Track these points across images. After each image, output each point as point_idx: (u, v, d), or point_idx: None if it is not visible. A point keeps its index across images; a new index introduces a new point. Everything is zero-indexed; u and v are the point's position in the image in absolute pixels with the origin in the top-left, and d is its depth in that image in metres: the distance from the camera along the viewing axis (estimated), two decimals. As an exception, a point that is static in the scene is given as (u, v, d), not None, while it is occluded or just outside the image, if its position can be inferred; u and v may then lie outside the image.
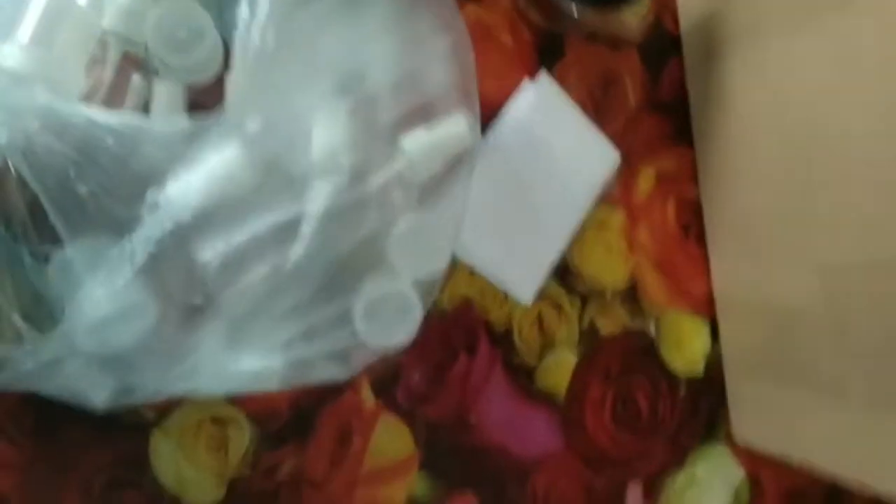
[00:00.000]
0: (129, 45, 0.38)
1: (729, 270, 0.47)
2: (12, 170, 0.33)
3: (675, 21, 0.50)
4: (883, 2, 0.33)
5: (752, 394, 0.47)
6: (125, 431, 0.40)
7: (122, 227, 0.32)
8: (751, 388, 0.47)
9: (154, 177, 0.33)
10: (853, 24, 0.35)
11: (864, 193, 0.35)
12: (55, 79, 0.34)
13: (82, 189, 0.32)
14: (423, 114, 0.38)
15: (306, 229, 0.35)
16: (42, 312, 0.35)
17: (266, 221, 0.35)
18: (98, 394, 0.35)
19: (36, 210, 0.34)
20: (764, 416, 0.46)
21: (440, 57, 0.39)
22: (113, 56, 0.38)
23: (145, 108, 0.39)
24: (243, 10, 0.37)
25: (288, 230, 0.35)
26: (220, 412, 0.41)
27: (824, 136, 0.38)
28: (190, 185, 0.33)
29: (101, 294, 0.32)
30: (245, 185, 0.34)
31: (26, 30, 0.34)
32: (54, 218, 0.32)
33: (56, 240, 0.34)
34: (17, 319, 0.34)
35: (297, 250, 0.34)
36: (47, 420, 0.39)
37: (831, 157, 0.37)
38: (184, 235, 0.33)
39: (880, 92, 0.34)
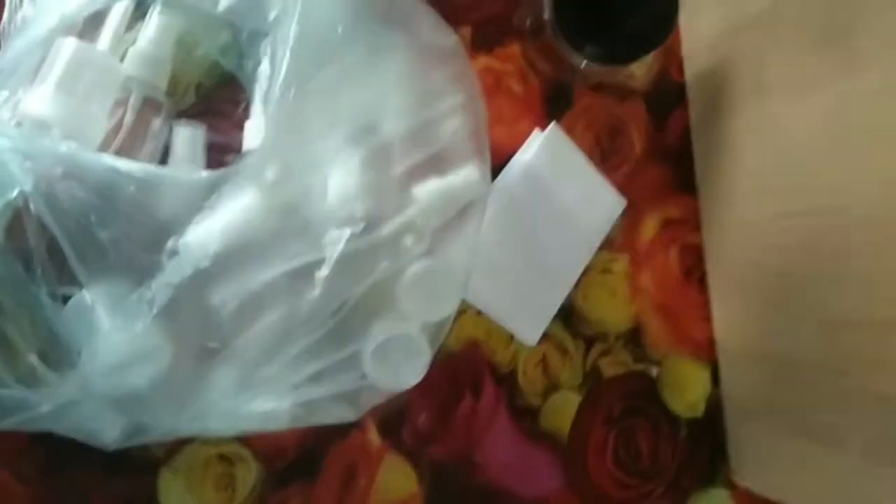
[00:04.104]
0: (149, 89, 0.39)
1: (730, 318, 0.48)
2: (32, 211, 0.34)
3: (681, 71, 0.51)
4: (887, 66, 0.34)
5: (751, 439, 0.47)
6: (134, 469, 0.40)
7: (141, 272, 0.33)
8: (751, 433, 0.47)
9: (174, 224, 0.34)
10: (856, 87, 0.36)
11: (864, 254, 0.36)
12: (78, 125, 0.35)
13: (103, 235, 0.33)
14: (435, 163, 0.39)
15: (321, 275, 0.35)
16: (58, 352, 0.35)
17: (282, 267, 0.36)
18: (109, 433, 0.36)
19: (55, 251, 0.35)
20: (763, 462, 0.47)
21: (453, 109, 0.39)
22: (134, 101, 0.39)
23: (165, 151, 0.40)
24: (265, 67, 0.39)
25: (303, 276, 0.35)
26: (228, 450, 0.41)
27: (826, 196, 0.38)
28: (209, 231, 0.34)
29: (119, 338, 0.33)
30: (262, 232, 0.35)
31: (50, 77, 0.35)
32: (74, 262, 0.33)
33: (74, 281, 0.34)
34: (33, 359, 0.35)
35: (311, 295, 0.35)
36: (57, 458, 0.39)
37: (832, 217, 0.38)
38: (201, 280, 0.34)
39: (881, 156, 0.35)
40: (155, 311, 0.33)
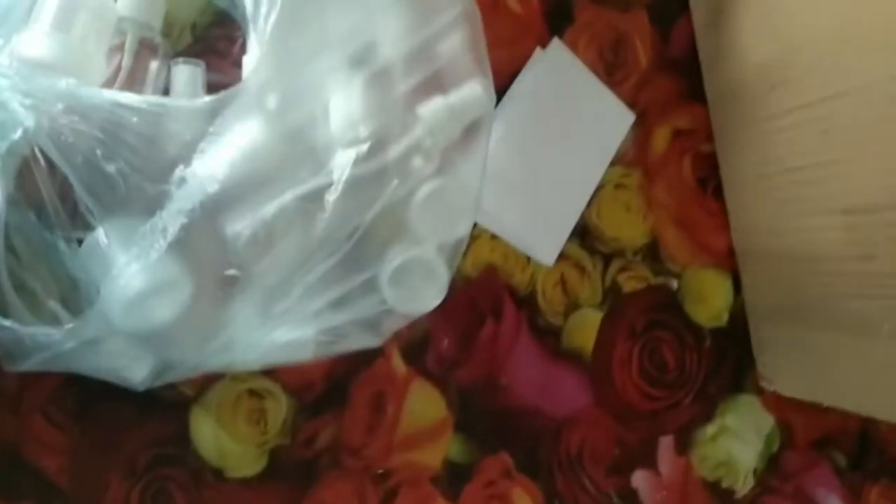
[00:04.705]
0: (145, 30, 0.39)
1: (748, 222, 0.48)
2: (40, 158, 0.34)
3: (682, -23, 0.50)
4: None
5: (777, 341, 0.47)
6: (165, 409, 0.41)
7: (151, 203, 0.33)
8: (776, 336, 0.47)
9: (180, 153, 0.34)
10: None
11: (882, 134, 0.35)
12: (76, 64, 0.35)
13: (110, 168, 0.33)
14: (437, 81, 0.38)
15: (330, 199, 0.35)
16: (79, 297, 0.35)
17: (291, 192, 0.35)
18: (137, 372, 0.36)
19: (66, 196, 0.35)
20: (791, 363, 0.46)
21: (450, 24, 0.39)
22: (130, 42, 0.38)
23: (164, 93, 0.40)
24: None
25: (313, 200, 0.35)
26: (257, 385, 0.42)
27: (837, 81, 0.38)
28: (216, 159, 0.34)
29: (135, 269, 0.33)
30: (269, 158, 0.35)
31: (45, 17, 0.35)
32: (84, 197, 0.33)
33: (87, 225, 0.34)
34: (54, 305, 0.35)
35: (322, 220, 0.35)
36: (89, 402, 0.40)
37: (846, 100, 0.37)
38: (213, 209, 0.33)
39: (892, 31, 0.34)
40: (169, 239, 0.32)
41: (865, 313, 0.39)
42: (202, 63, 0.40)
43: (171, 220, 0.32)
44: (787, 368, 0.47)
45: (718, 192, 0.50)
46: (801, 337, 0.44)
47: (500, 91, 0.45)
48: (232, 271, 0.35)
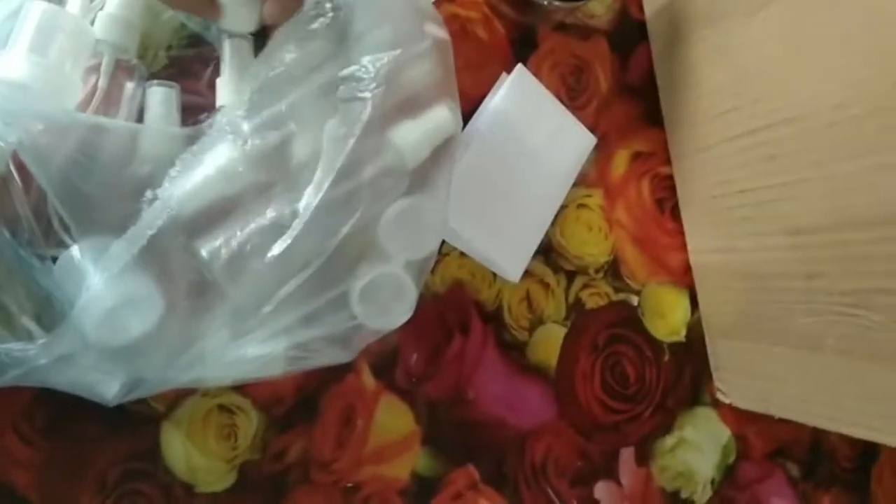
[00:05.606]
0: (121, 53, 0.40)
1: (703, 241, 0.50)
2: (15, 176, 0.35)
3: (641, 8, 0.52)
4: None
5: (732, 356, 0.49)
6: (136, 425, 0.41)
7: (125, 222, 0.34)
8: (731, 351, 0.49)
9: (154, 175, 0.35)
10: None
11: (824, 159, 0.38)
12: (54, 86, 0.36)
13: (86, 187, 0.34)
14: (408, 106, 0.40)
15: (301, 220, 0.36)
16: (52, 314, 0.36)
17: (263, 214, 0.36)
18: (109, 388, 0.36)
19: (40, 214, 0.35)
20: (745, 377, 0.48)
21: (421, 54, 0.40)
22: (106, 64, 0.39)
23: (140, 114, 0.41)
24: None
25: (285, 222, 0.36)
26: (228, 401, 0.42)
27: (785, 108, 0.40)
28: (188, 182, 0.35)
29: (103, 284, 0.33)
30: (241, 181, 0.36)
31: (23, 40, 0.36)
32: (64, 214, 0.34)
33: (61, 242, 0.35)
34: (28, 322, 0.36)
35: (294, 240, 0.36)
36: (60, 418, 0.40)
37: (794, 128, 0.40)
38: (184, 228, 0.34)
39: (836, 62, 0.36)
40: (135, 254, 0.33)
41: (811, 329, 0.41)
42: (176, 85, 0.41)
43: (138, 235, 0.33)
44: (741, 382, 0.49)
45: (676, 212, 0.52)
46: (753, 351, 0.47)
47: (467, 114, 0.47)
48: (203, 289, 0.36)
